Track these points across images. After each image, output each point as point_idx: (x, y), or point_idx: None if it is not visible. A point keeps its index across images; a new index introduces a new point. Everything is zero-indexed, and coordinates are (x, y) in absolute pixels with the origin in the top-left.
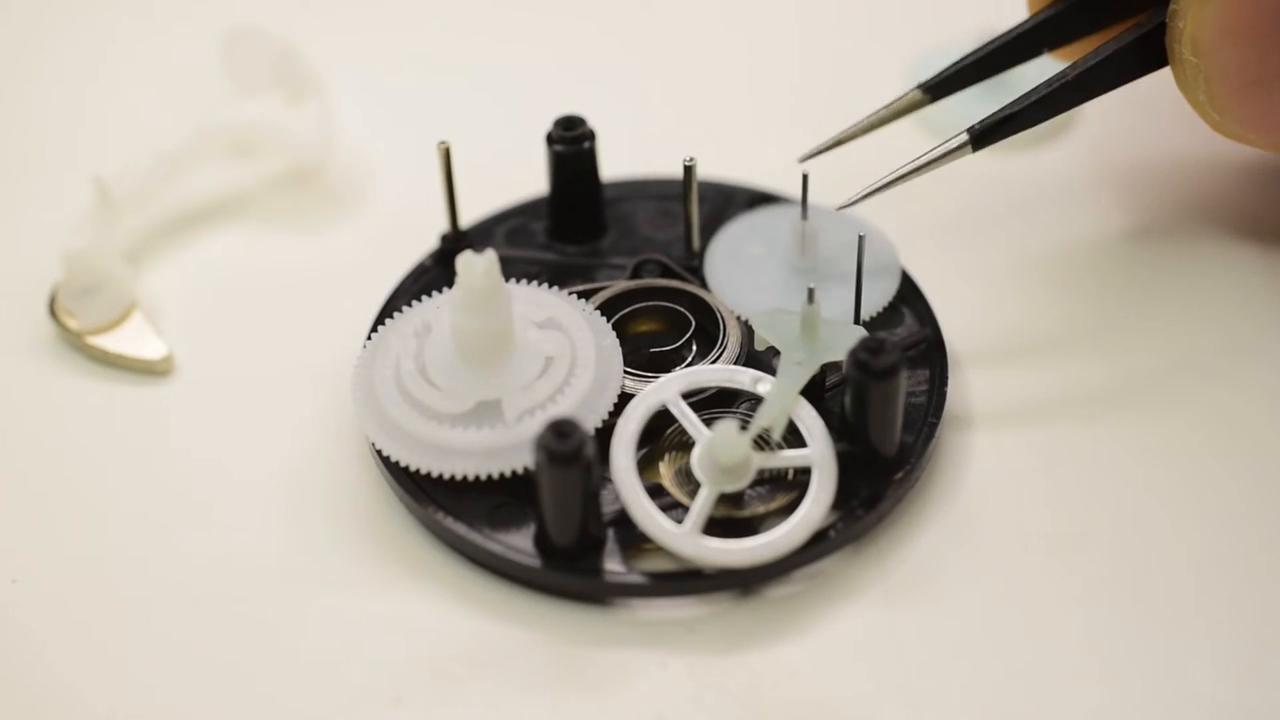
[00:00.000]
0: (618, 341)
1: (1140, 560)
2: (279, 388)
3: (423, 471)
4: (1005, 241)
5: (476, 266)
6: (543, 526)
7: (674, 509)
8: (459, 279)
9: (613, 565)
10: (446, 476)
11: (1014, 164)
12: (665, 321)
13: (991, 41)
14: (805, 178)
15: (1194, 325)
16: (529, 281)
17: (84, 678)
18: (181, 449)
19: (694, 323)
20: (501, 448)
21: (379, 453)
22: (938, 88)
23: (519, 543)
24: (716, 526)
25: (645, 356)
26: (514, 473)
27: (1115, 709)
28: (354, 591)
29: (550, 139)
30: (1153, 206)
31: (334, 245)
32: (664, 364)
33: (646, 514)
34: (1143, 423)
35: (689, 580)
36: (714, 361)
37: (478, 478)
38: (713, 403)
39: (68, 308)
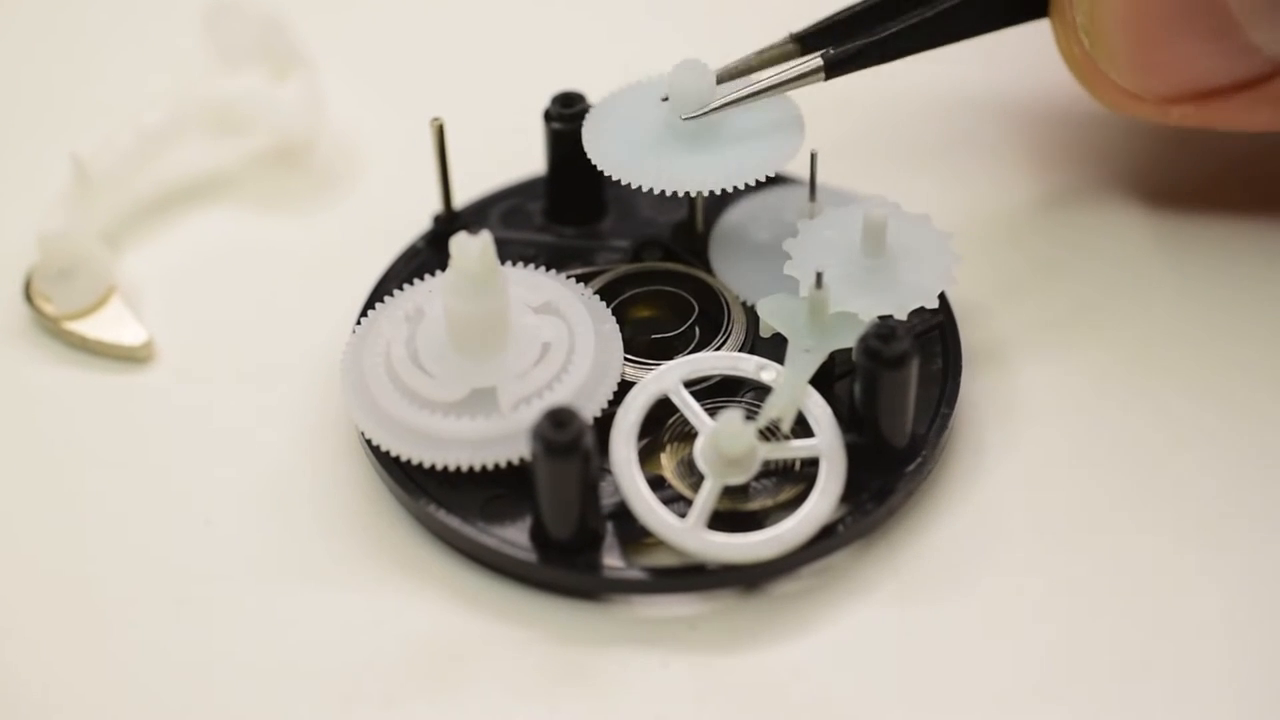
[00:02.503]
0: (617, 327)
1: (1163, 556)
2: (264, 375)
3: (414, 462)
4: (1023, 229)
5: (470, 249)
6: (539, 520)
7: (676, 502)
8: (452, 262)
9: (612, 560)
10: (439, 467)
11: (1019, 152)
12: (667, 306)
13: None
14: (814, 157)
15: (1211, 311)
16: (525, 264)
17: (59, 680)
18: (162, 439)
19: (697, 308)
20: (496, 437)
21: (369, 442)
22: (809, 39)
23: (514, 536)
24: (721, 520)
25: (646, 343)
26: (509, 463)
27: (1136, 710)
28: (342, 588)
29: (548, 116)
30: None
31: (322, 226)
32: (666, 351)
33: (648, 508)
34: (1166, 414)
35: (691, 576)
36: (718, 348)
37: (471, 468)
38: (716, 391)
39: (43, 292)
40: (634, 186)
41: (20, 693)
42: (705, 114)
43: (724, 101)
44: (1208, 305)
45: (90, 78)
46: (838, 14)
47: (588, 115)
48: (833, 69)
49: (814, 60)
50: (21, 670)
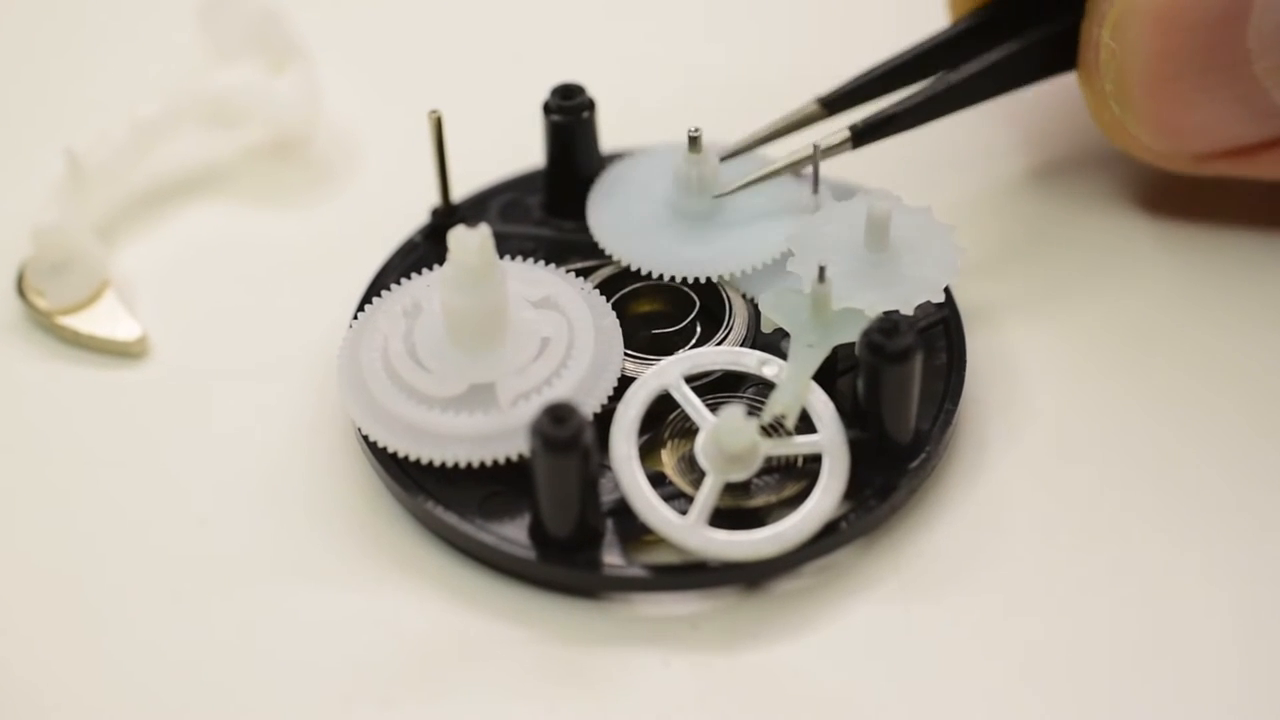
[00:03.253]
0: (617, 322)
1: (1168, 552)
2: (259, 371)
3: (412, 458)
4: (1030, 219)
5: (469, 242)
6: (538, 517)
7: (677, 499)
8: (450, 255)
9: (612, 558)
10: (437, 463)
11: (1018, 143)
12: (668, 301)
13: (897, 56)
14: (816, 149)
15: (1223, 310)
16: (524, 259)
17: (53, 678)
18: (157, 436)
19: (698, 303)
20: (495, 433)
21: (365, 439)
22: (836, 102)
23: (513, 534)
24: (722, 518)
25: (647, 338)
26: (508, 460)
27: (1139, 707)
28: (339, 586)
29: (547, 108)
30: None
31: (318, 220)
32: (666, 346)
33: (649, 505)
34: (1173, 410)
35: (692, 574)
36: (719, 344)
37: (470, 465)
38: (717, 387)
39: (37, 286)
40: (643, 272)
41: (14, 690)
42: (736, 190)
43: (753, 179)
44: (1220, 306)
45: (84, 70)
46: (862, 76)
47: (594, 186)
48: (859, 139)
49: (842, 133)
50: (15, 668)
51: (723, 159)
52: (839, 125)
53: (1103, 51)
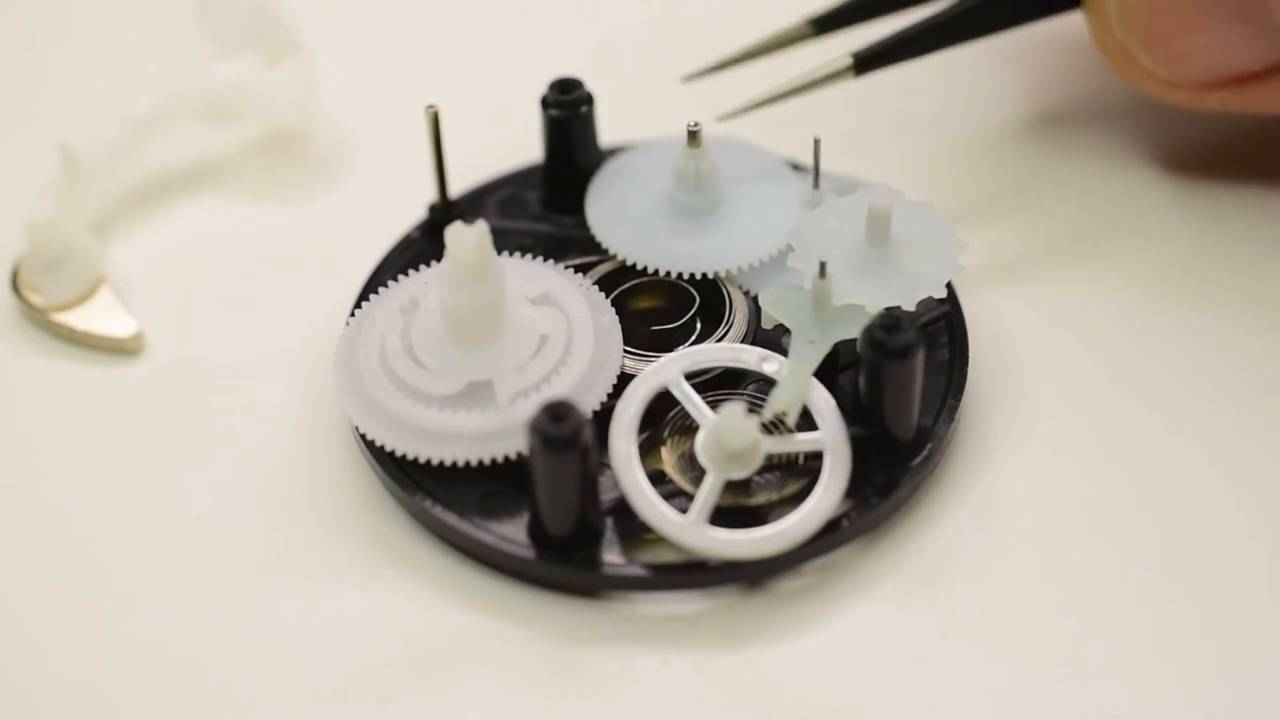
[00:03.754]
0: (617, 319)
1: (1173, 550)
2: (256, 368)
3: (410, 457)
4: (1026, 211)
5: (466, 239)
6: (537, 515)
7: (677, 496)
8: (448, 252)
9: (611, 557)
10: (435, 462)
11: (1013, 127)
12: (667, 297)
13: None
14: (817, 144)
15: (1236, 301)
16: (522, 255)
17: (46, 674)
18: (152, 433)
19: (698, 299)
20: (493, 431)
21: (363, 437)
22: (827, 22)
23: (512, 533)
24: (723, 516)
25: (646, 335)
26: (506, 458)
27: (1144, 709)
28: (337, 586)
29: (545, 103)
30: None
31: (315, 216)
32: (666, 343)
33: (649, 504)
34: (1177, 409)
35: (692, 573)
36: (719, 340)
37: (468, 463)
38: (718, 384)
39: (31, 282)
40: (642, 268)
41: (10, 686)
42: (740, 114)
43: (754, 104)
44: (1230, 297)
45: (80, 65)
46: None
47: (593, 182)
48: (863, 66)
49: (844, 59)
50: (11, 664)
51: (720, 119)
52: (827, 47)
53: None
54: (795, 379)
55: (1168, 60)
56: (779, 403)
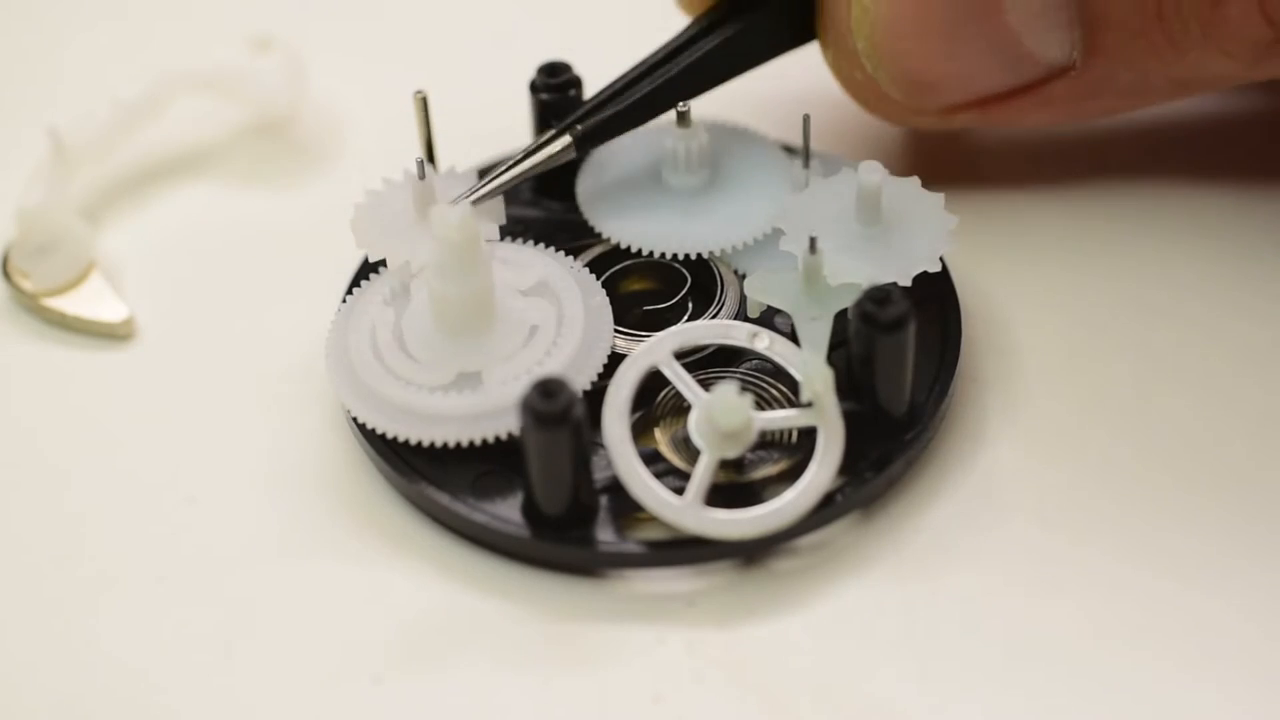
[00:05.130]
0: (608, 300)
1: (1167, 526)
2: (248, 352)
3: (402, 439)
4: (1021, 185)
5: (450, 219)
6: (531, 495)
7: (670, 474)
8: (433, 234)
9: (606, 535)
10: (427, 444)
11: None
12: (659, 279)
13: (635, 69)
14: (806, 120)
15: (1223, 271)
16: (513, 240)
17: (41, 659)
18: (144, 418)
19: (689, 279)
20: (485, 412)
21: (355, 420)
22: (583, 141)
23: (506, 512)
24: (717, 494)
25: (638, 315)
26: (498, 438)
27: (1137, 687)
28: (331, 567)
29: (534, 87)
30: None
31: (306, 201)
32: (658, 324)
33: (645, 487)
34: (1174, 379)
35: (687, 550)
36: (712, 319)
37: (460, 445)
38: (710, 362)
39: (21, 268)
40: (633, 250)
41: (2, 669)
42: (474, 198)
43: (480, 193)
44: (1219, 267)
45: (69, 50)
46: (596, 97)
47: (583, 166)
48: (582, 144)
49: (564, 140)
50: (3, 648)
51: (475, 200)
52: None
53: (855, 8)
54: (817, 357)
55: (917, 91)
56: (811, 386)
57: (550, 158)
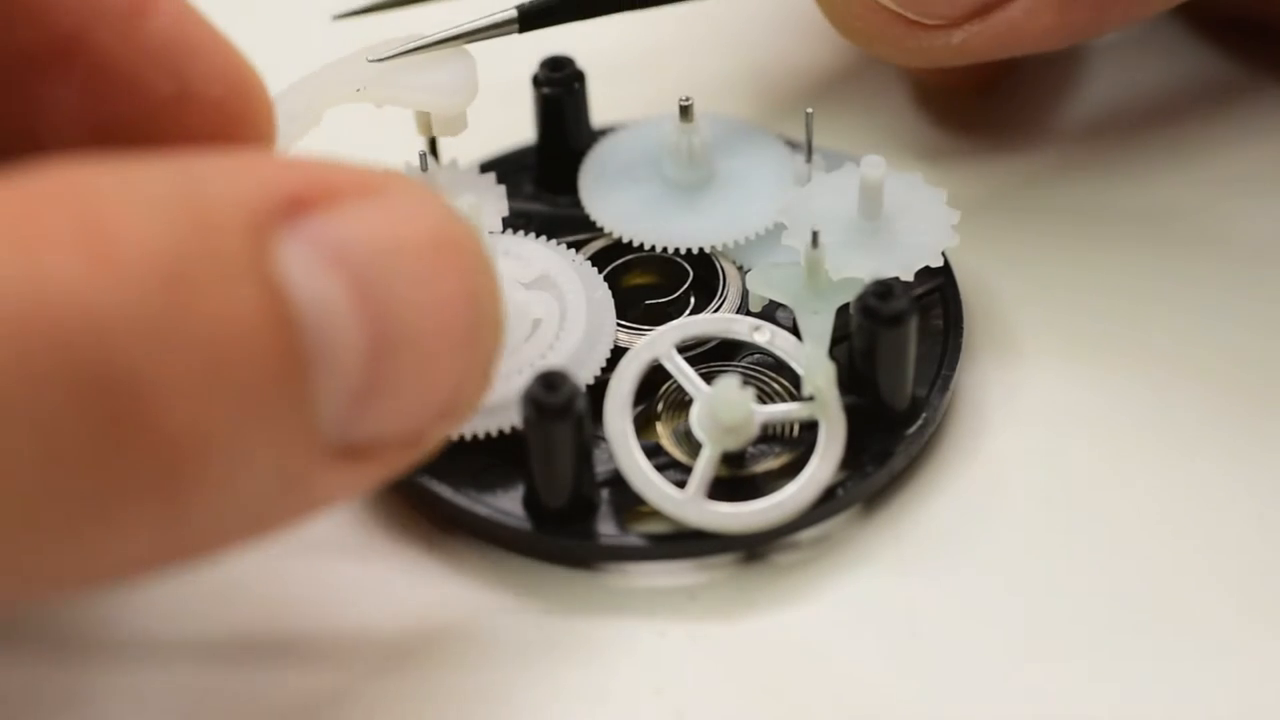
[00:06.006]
0: (610, 294)
1: (1171, 519)
2: None
3: None
4: (1024, 180)
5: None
6: (532, 488)
7: (672, 468)
8: None
9: (608, 528)
10: None
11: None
12: (661, 273)
13: None
14: (809, 117)
15: (1226, 259)
16: (515, 233)
17: (35, 649)
18: None
19: (691, 273)
20: (488, 405)
21: None
22: (528, 19)
23: (507, 506)
24: (719, 487)
25: (641, 310)
26: (500, 432)
27: (1141, 682)
28: (330, 562)
29: (536, 81)
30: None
31: None
32: (660, 317)
33: (647, 481)
34: (1177, 372)
35: (689, 543)
36: (714, 313)
37: (462, 438)
38: (712, 356)
39: None
40: (636, 244)
41: None
42: (392, 57)
43: (409, 48)
44: (1223, 259)
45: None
46: None
47: (586, 160)
48: (526, 22)
49: (509, 13)
50: None
51: (370, 60)
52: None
53: None
54: (820, 351)
55: None
56: (813, 381)
57: (492, 27)
